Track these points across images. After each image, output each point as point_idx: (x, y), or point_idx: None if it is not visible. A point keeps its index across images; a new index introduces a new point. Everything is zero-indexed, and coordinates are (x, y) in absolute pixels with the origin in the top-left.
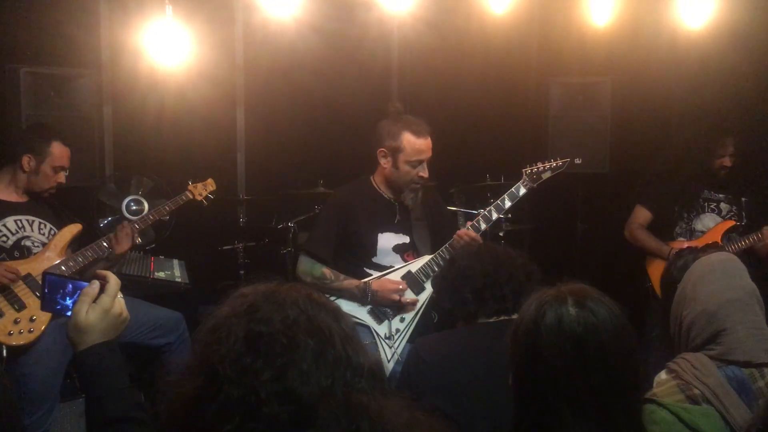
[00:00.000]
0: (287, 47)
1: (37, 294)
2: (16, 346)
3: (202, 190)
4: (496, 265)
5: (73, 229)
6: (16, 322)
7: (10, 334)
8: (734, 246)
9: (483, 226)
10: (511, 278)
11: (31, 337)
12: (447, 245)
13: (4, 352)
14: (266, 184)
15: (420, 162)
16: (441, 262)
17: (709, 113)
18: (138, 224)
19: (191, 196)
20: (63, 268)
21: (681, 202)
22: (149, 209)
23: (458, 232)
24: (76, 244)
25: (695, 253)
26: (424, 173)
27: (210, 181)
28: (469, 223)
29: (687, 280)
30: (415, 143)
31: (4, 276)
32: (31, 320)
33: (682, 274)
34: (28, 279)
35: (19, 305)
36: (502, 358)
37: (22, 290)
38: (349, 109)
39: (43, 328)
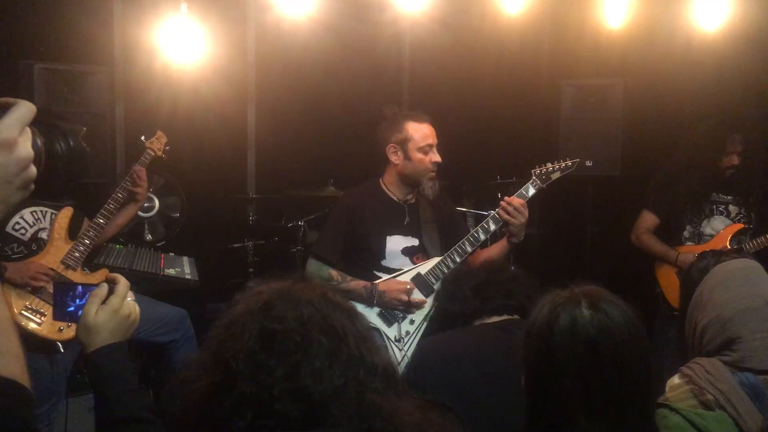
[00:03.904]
0: (300, 46)
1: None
2: (69, 340)
3: (159, 144)
4: (495, 265)
5: (67, 213)
6: None
7: (60, 330)
8: (746, 247)
9: (492, 227)
10: (511, 277)
11: None
12: (463, 241)
13: (61, 347)
14: (276, 182)
15: (430, 146)
16: (451, 264)
17: (719, 112)
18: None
19: (153, 154)
20: (76, 254)
21: (690, 205)
22: (159, 206)
23: (503, 201)
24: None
25: (718, 256)
26: (437, 158)
27: (160, 133)
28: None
29: (705, 284)
30: (420, 129)
31: (41, 278)
32: None
33: (702, 276)
34: (52, 274)
35: None
36: (508, 358)
37: (51, 286)
38: (361, 108)
39: None
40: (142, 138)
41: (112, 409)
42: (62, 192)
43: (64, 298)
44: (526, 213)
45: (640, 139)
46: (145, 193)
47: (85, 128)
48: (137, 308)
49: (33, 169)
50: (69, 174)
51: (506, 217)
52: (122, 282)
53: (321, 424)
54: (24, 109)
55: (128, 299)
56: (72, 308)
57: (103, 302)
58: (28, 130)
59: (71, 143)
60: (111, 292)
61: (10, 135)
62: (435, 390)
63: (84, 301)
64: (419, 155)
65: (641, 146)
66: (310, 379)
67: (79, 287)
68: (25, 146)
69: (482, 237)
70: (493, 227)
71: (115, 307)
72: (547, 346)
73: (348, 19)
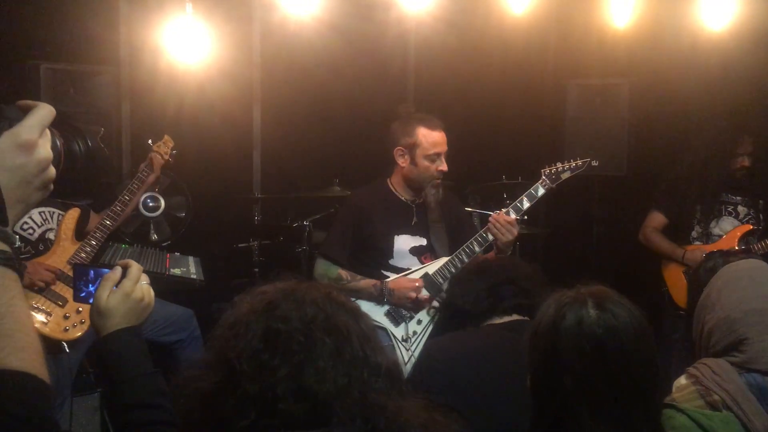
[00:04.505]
0: (305, 45)
1: (71, 286)
2: (74, 340)
3: (165, 148)
4: (514, 263)
5: (74, 214)
6: (66, 317)
7: (65, 330)
8: (754, 248)
9: None
10: (529, 276)
11: (84, 327)
12: (471, 242)
13: (66, 347)
14: (281, 182)
15: (438, 155)
16: (459, 264)
17: (728, 113)
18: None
19: (160, 158)
20: (83, 255)
21: (700, 205)
22: (165, 206)
23: (492, 216)
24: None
25: (726, 256)
26: (444, 167)
27: (167, 137)
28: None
29: (713, 284)
30: (430, 136)
31: (47, 276)
32: (78, 312)
33: (709, 277)
34: (58, 274)
35: (62, 301)
36: (514, 359)
37: (58, 286)
38: (366, 108)
39: None
40: (149, 142)
41: (122, 395)
42: (81, 192)
43: (79, 281)
44: (515, 231)
45: (646, 138)
46: (155, 178)
47: (103, 129)
48: (151, 292)
49: (52, 170)
50: (88, 174)
51: (494, 232)
52: (134, 266)
53: (324, 423)
54: (44, 112)
55: (142, 283)
56: (85, 292)
57: (116, 286)
58: (47, 131)
59: (90, 144)
60: (124, 276)
61: (30, 137)
62: (440, 391)
63: (97, 285)
64: (426, 163)
65: (647, 146)
66: (314, 378)
67: (91, 271)
68: (45, 148)
69: (490, 238)
70: None
71: (127, 291)
72: (553, 346)
73: (353, 19)
